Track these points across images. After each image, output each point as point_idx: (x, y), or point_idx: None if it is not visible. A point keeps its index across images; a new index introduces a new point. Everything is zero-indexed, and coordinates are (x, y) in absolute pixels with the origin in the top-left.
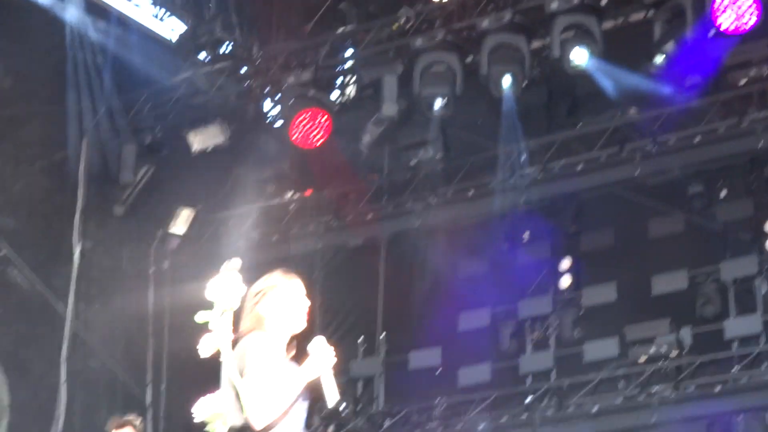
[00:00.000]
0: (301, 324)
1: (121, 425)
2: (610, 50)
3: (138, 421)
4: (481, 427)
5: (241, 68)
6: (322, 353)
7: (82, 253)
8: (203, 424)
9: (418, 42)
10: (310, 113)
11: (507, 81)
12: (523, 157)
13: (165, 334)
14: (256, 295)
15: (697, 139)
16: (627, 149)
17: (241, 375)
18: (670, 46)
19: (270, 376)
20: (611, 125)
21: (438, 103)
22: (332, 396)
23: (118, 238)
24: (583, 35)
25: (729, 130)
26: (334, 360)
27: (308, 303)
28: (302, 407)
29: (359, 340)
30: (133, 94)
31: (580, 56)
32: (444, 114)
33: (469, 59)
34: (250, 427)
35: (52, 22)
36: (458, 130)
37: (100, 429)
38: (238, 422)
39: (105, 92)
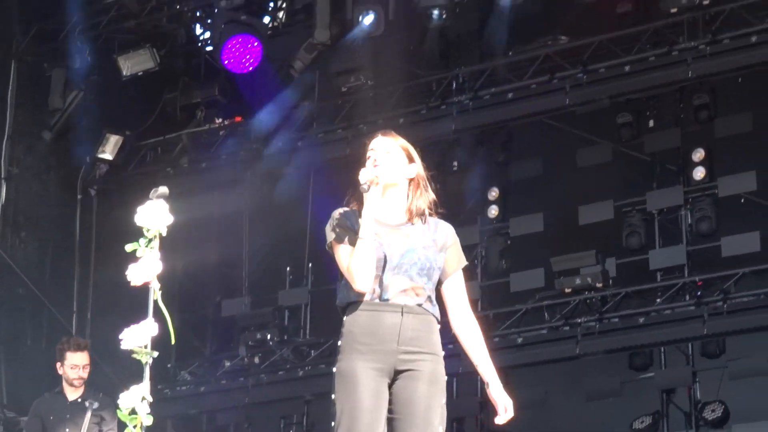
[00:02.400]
0: (375, 173)
1: (82, 348)
2: None
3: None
4: None
5: None
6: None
7: (10, 180)
8: (130, 352)
9: None
10: (241, 38)
11: (437, 8)
12: (454, 86)
13: (91, 262)
14: None
15: (627, 68)
16: (557, 78)
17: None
18: None
19: (341, 241)
20: (542, 53)
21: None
22: None
23: (45, 165)
24: None
25: (659, 59)
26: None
27: (376, 152)
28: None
29: (287, 269)
30: (62, 17)
31: None
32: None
33: None
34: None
35: None
36: (390, 57)
37: (24, 356)
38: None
39: (34, 15)
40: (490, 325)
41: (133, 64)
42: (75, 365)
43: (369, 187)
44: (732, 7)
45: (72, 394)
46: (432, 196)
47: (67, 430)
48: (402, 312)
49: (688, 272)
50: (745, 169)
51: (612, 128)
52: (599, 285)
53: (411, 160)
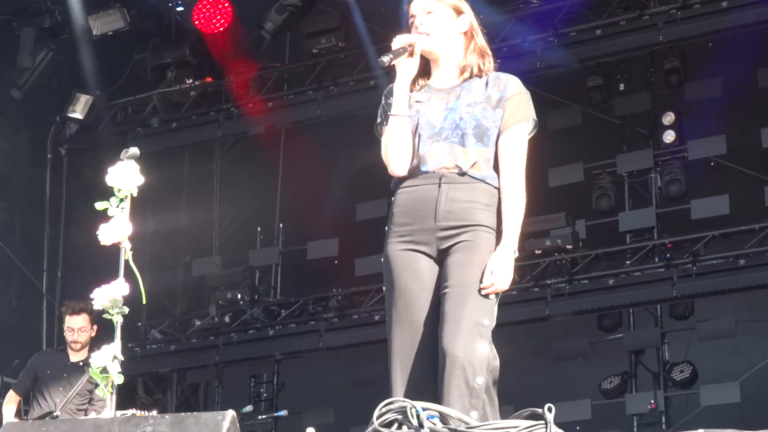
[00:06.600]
0: (410, 39)
1: (77, 311)
2: None
3: (91, 307)
4: (377, 317)
5: None
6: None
7: None
8: (101, 311)
9: None
10: None
11: None
12: None
13: (62, 221)
14: None
15: (598, 32)
16: (528, 41)
17: None
18: None
19: (384, 123)
20: (513, 16)
21: None
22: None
23: (15, 124)
24: None
25: (629, 23)
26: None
27: (417, 16)
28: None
29: (258, 230)
30: None
31: None
32: None
33: None
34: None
35: None
36: (360, 19)
37: None
38: None
39: None
40: None
41: (103, 23)
42: (70, 328)
43: (390, 59)
44: None
45: (74, 356)
46: (483, 45)
47: (61, 389)
48: (440, 183)
49: (658, 234)
50: (714, 132)
51: (582, 91)
52: (569, 247)
53: (459, 11)
